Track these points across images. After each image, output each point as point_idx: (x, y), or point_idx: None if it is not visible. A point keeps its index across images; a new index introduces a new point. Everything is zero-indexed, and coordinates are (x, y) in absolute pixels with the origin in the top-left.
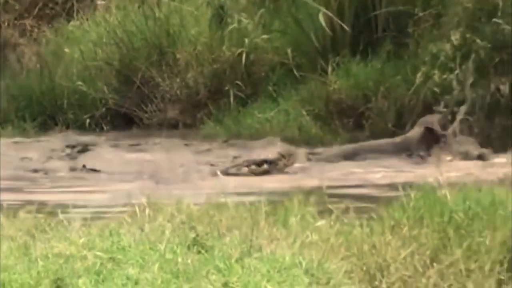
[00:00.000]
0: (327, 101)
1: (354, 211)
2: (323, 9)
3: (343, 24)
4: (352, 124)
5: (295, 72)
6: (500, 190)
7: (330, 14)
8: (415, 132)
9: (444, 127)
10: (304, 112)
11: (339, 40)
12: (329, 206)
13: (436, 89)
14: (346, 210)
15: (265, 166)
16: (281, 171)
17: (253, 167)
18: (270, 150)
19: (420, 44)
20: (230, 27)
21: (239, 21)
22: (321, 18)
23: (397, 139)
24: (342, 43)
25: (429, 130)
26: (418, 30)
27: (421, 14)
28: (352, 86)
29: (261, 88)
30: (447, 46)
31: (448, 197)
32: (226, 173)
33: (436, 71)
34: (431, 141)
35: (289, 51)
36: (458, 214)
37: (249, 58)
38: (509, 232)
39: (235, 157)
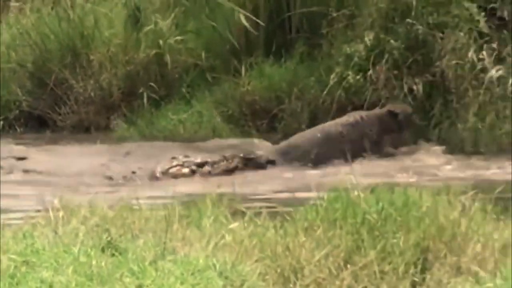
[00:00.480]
0: (240, 103)
1: (268, 213)
2: (239, 9)
3: (260, 22)
4: (265, 125)
5: (207, 74)
6: (413, 191)
7: (247, 13)
8: (375, 112)
9: (409, 117)
10: (217, 114)
11: (253, 41)
12: (242, 208)
13: (350, 90)
14: (259, 212)
15: (206, 167)
16: (222, 173)
17: (194, 167)
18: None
19: (334, 45)
20: (147, 28)
21: (156, 23)
22: (242, 18)
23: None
24: (256, 44)
25: (391, 114)
26: (332, 30)
27: (334, 14)
28: (266, 87)
29: (175, 89)
30: (361, 47)
31: (362, 197)
32: (166, 173)
33: (349, 72)
34: (391, 127)
35: (203, 52)
36: (372, 215)
37: (163, 59)
38: (422, 234)
39: (173, 158)
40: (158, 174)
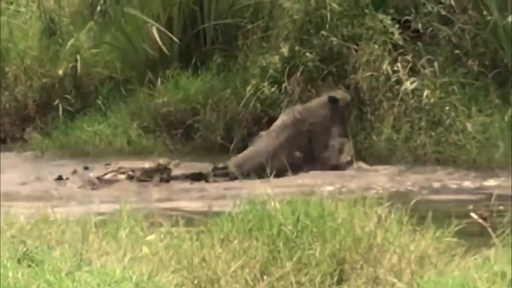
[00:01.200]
0: (155, 114)
1: (185, 224)
2: (153, 22)
3: (174, 38)
4: (181, 136)
5: (122, 86)
6: (329, 203)
7: (160, 27)
8: (317, 102)
9: (349, 104)
10: (132, 125)
11: (169, 53)
12: (159, 220)
13: (266, 102)
14: (176, 223)
15: (139, 174)
16: (156, 182)
17: (131, 173)
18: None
19: (249, 56)
20: (69, 42)
21: (78, 37)
22: (154, 32)
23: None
24: (172, 56)
25: (333, 101)
26: (247, 42)
27: (249, 26)
28: (181, 99)
29: (90, 101)
30: (276, 59)
31: (278, 209)
32: (101, 179)
33: (265, 84)
34: (334, 116)
35: (118, 64)
36: (287, 227)
37: (79, 72)
38: (338, 245)
39: (107, 164)
40: (94, 181)
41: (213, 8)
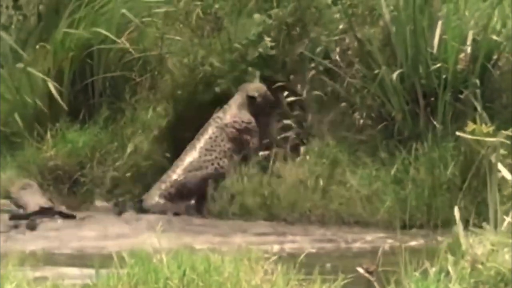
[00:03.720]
0: (42, 168)
1: (70, 277)
2: (45, 77)
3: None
4: (67, 190)
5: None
6: (215, 256)
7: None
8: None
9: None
10: (19, 178)
11: (57, 105)
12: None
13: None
14: (61, 276)
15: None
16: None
17: None
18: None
19: (137, 109)
20: None
21: None
22: (51, 86)
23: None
24: (60, 109)
25: (251, 100)
26: (135, 95)
27: (138, 79)
28: (69, 152)
29: None
30: (159, 112)
31: (164, 262)
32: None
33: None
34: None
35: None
36: (173, 281)
37: None
38: None
39: None
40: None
41: (102, 60)
